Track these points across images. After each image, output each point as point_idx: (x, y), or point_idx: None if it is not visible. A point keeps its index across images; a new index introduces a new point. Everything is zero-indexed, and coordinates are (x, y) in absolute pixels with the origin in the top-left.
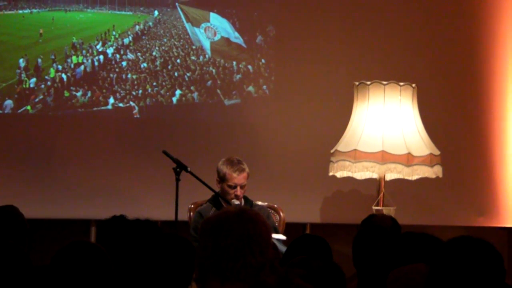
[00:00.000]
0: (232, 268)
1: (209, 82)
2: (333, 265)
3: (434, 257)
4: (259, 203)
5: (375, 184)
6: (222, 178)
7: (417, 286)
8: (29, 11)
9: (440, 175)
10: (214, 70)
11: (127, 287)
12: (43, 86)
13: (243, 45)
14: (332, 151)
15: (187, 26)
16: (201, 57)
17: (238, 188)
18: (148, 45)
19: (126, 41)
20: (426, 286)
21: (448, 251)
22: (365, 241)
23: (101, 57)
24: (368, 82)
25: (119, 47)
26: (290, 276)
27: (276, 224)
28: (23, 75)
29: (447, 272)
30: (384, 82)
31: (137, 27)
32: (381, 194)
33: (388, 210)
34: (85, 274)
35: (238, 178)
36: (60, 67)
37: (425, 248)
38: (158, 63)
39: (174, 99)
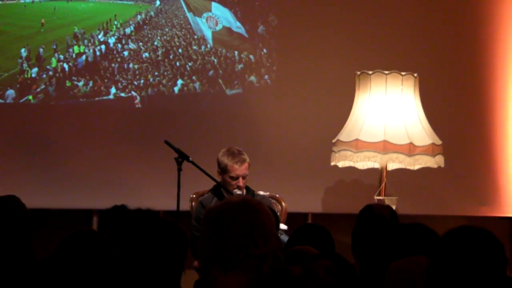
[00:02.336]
0: (235, 258)
1: (211, 72)
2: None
3: (435, 247)
4: (261, 193)
5: (377, 174)
6: (223, 170)
7: (416, 278)
8: (31, 0)
9: (442, 165)
10: (215, 60)
11: (128, 275)
12: (44, 76)
13: (245, 34)
14: (334, 141)
15: (189, 15)
16: (202, 47)
17: (240, 179)
18: (149, 35)
19: (127, 30)
20: (427, 277)
21: (449, 241)
22: (364, 231)
23: (103, 46)
24: (370, 72)
25: (120, 36)
26: (317, 269)
27: (278, 214)
28: (25, 65)
29: (448, 262)
30: (386, 72)
31: (139, 16)
32: (383, 184)
33: (390, 200)
34: (90, 263)
35: (240, 169)
36: (61, 57)
37: (424, 239)
38: (159, 52)
39: (176, 89)
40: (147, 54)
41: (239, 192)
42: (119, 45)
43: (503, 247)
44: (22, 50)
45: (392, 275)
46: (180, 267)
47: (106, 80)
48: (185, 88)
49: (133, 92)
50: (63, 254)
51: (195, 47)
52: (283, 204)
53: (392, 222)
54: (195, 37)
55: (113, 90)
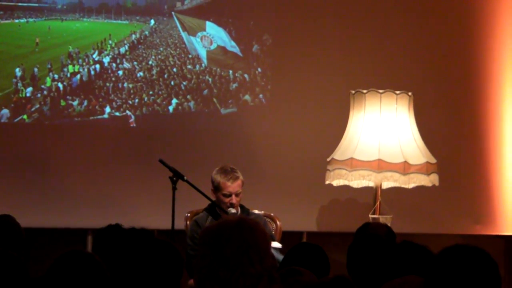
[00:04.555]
0: (231, 277)
1: (206, 91)
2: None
3: (430, 265)
4: (256, 211)
5: (371, 192)
6: (216, 188)
7: None
8: (25, 20)
9: (437, 184)
10: (210, 79)
11: None
12: (39, 95)
13: (239, 54)
14: (328, 159)
15: (183, 35)
16: (197, 66)
17: (233, 196)
18: (144, 54)
19: (122, 50)
20: None
21: (443, 259)
22: (360, 250)
23: (97, 66)
24: (365, 91)
25: (115, 56)
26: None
27: (273, 232)
28: (20, 84)
29: (443, 280)
30: (381, 91)
31: (133, 36)
32: (378, 203)
33: (385, 219)
34: (81, 284)
35: (232, 186)
36: (56, 76)
37: (419, 257)
38: (154, 72)
39: (171, 108)
40: (141, 74)
41: (233, 211)
42: (114, 65)
43: (497, 265)
44: (17, 69)
45: None
46: (176, 286)
47: (100, 100)
48: (180, 107)
49: (127, 111)
50: (54, 274)
51: (189, 66)
52: (277, 222)
53: (388, 241)
54: (190, 56)
55: (107, 109)
